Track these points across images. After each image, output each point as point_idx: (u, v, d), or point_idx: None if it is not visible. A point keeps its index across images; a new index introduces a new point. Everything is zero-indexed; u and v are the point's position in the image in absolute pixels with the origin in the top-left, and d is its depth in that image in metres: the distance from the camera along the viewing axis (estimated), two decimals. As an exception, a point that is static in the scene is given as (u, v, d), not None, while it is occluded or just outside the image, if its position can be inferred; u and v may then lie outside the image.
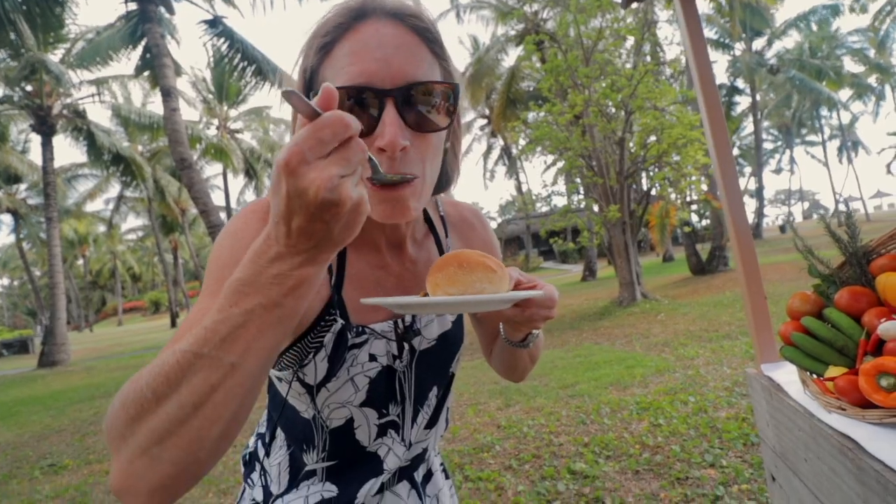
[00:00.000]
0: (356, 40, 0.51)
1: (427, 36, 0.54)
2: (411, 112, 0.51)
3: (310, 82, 0.55)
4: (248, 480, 0.73)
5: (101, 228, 37.73)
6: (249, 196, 36.38)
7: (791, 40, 23.59)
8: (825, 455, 1.00)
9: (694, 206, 15.25)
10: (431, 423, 0.72)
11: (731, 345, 5.04)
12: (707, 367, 4.39)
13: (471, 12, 16.59)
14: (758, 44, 22.62)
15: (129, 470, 0.38)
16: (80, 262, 43.99)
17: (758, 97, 24.52)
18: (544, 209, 19.89)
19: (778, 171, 45.68)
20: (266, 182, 32.58)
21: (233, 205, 30.97)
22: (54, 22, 8.90)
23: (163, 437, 0.37)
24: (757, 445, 2.70)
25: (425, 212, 0.72)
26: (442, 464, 0.82)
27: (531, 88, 15.56)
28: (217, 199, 31.05)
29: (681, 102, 8.93)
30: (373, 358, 0.63)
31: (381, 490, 0.69)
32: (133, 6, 8.97)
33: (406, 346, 0.66)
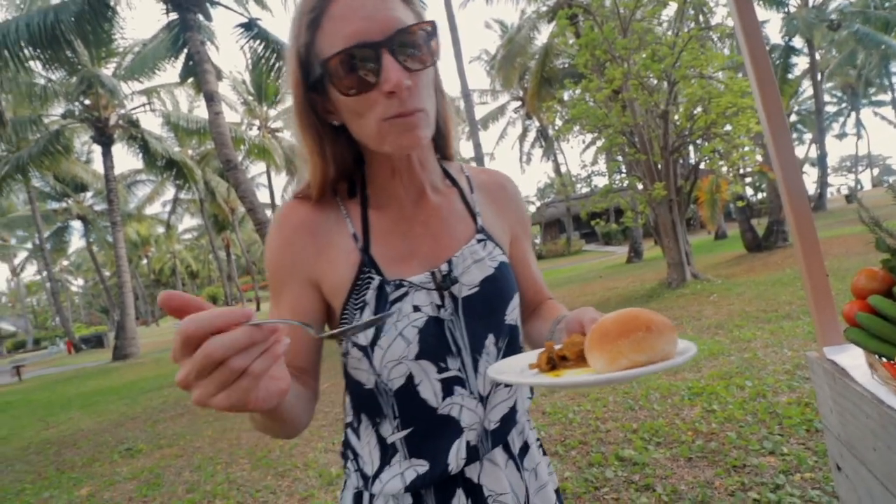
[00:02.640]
0: (340, 6, 0.56)
1: None
2: (403, 56, 0.57)
3: (306, 60, 0.60)
4: (346, 471, 0.76)
5: (161, 230, 40.17)
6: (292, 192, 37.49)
7: (854, -9, 21.37)
8: (897, 445, 0.92)
9: (748, 179, 14.36)
10: None
11: (792, 326, 4.74)
12: (765, 349, 4.15)
13: (500, -8, 16.18)
14: (815, -2, 20.79)
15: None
16: (144, 261, 47.14)
17: (817, 56, 22.58)
18: (584, 190, 19.33)
19: (842, 135, 42.24)
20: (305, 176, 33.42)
21: (277, 201, 32.10)
22: (104, 37, 9.42)
23: (265, 431, 0.61)
24: (821, 432, 2.54)
25: (444, 169, 0.77)
26: (538, 439, 0.82)
27: (566, 66, 15.05)
28: (262, 196, 32.31)
29: (730, 68, 8.36)
30: (417, 309, 0.66)
31: (474, 456, 0.69)
32: (174, 16, 9.35)
33: (447, 294, 0.68)
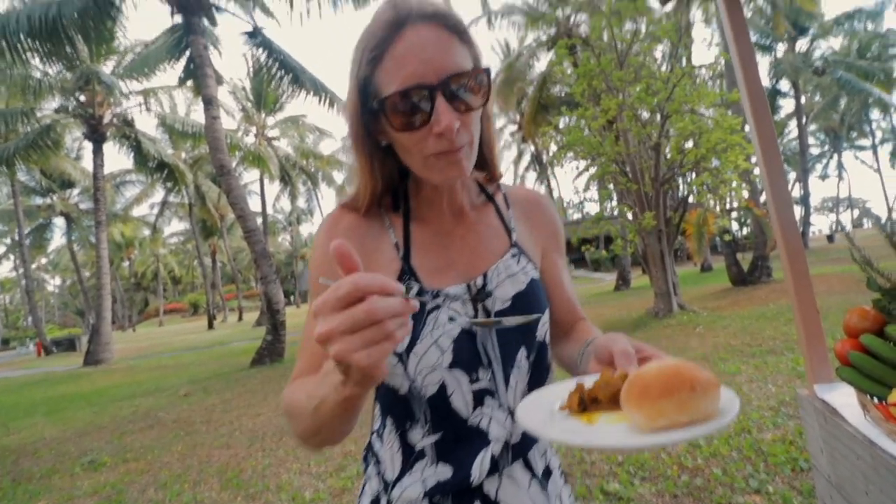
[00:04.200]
0: (401, 48, 0.60)
1: (458, 30, 0.63)
2: (455, 99, 0.60)
3: (364, 90, 0.64)
4: (366, 475, 0.78)
5: (146, 232, 39.60)
6: (284, 202, 37.24)
7: (836, 41, 22.34)
8: (889, 488, 0.90)
9: (734, 214, 14.66)
10: (531, 390, 0.73)
11: (777, 361, 4.77)
12: (750, 384, 4.16)
13: (502, 18, 16.59)
14: (801, 45, 21.66)
15: (300, 435, 0.61)
16: (126, 264, 46.24)
17: (802, 99, 23.42)
18: (576, 216, 19.56)
19: (824, 177, 43.52)
20: (300, 188, 33.44)
21: (269, 210, 31.92)
22: (106, 35, 9.43)
23: (322, 430, 0.58)
24: (807, 471, 2.52)
25: (482, 186, 0.81)
26: (560, 465, 0.82)
27: (563, 93, 15.37)
28: (254, 204, 32.11)
29: (720, 105, 8.61)
30: (451, 319, 0.68)
31: (496, 469, 0.70)
32: (179, 18, 9.39)
33: (480, 307, 0.71)
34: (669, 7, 8.50)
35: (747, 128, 1.54)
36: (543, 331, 0.75)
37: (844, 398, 1.18)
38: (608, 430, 0.49)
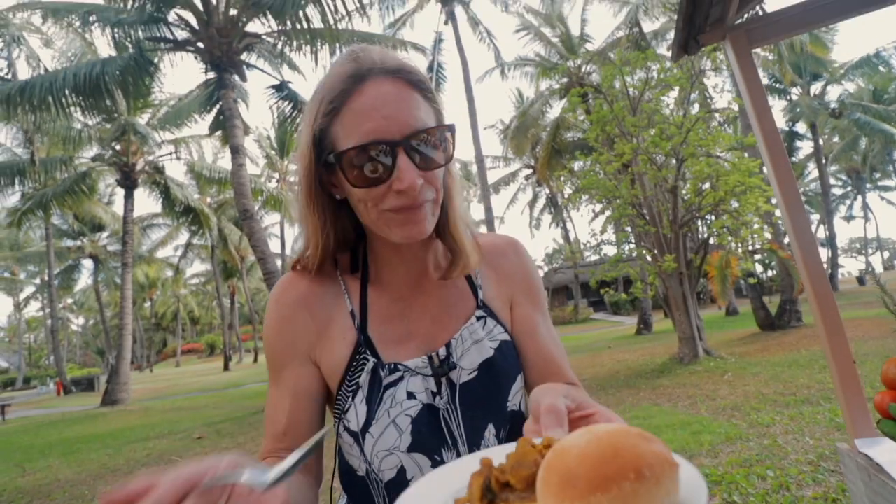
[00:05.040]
0: (361, 102, 0.57)
1: (421, 87, 0.60)
2: (418, 155, 0.57)
3: (319, 142, 0.60)
4: None
5: (169, 273, 40.52)
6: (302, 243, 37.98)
7: (852, 84, 22.48)
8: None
9: (757, 256, 14.35)
10: None
11: (813, 411, 4.51)
12: (786, 436, 3.93)
13: (515, 69, 17.25)
14: (815, 88, 21.86)
15: None
16: (148, 304, 47.10)
17: (821, 141, 23.37)
18: (593, 258, 19.41)
19: (849, 218, 42.64)
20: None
21: (288, 251, 32.50)
22: (144, 90, 10.08)
23: None
24: (853, 534, 2.33)
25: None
26: None
27: (576, 138, 15.67)
28: (273, 246, 32.77)
29: (737, 149, 8.63)
30: (411, 396, 0.62)
31: None
32: (212, 75, 10.02)
33: (444, 380, 0.64)
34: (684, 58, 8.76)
35: (765, 170, 1.54)
36: (517, 399, 0.67)
37: (889, 454, 1.11)
38: None
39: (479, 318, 0.69)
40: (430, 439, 0.62)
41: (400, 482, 0.62)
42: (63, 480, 5.63)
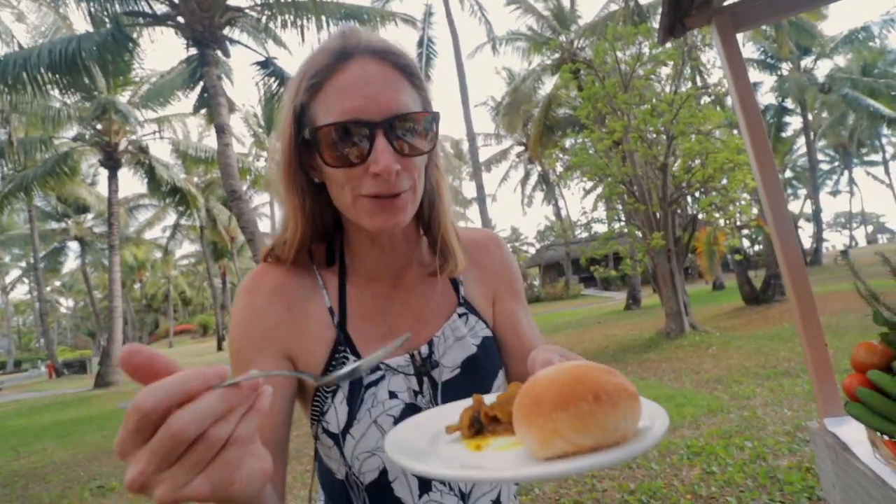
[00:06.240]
0: (344, 79, 0.55)
1: (407, 71, 0.59)
2: (398, 140, 0.55)
3: (300, 118, 0.58)
4: None
5: (158, 254, 40.10)
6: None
7: (841, 58, 22.39)
8: (905, 531, 0.88)
9: (745, 231, 14.53)
10: None
11: (792, 383, 4.67)
12: (765, 408, 4.07)
13: (506, 44, 16.90)
14: (805, 63, 21.76)
15: None
16: (138, 286, 46.73)
17: (809, 117, 23.40)
18: (584, 235, 19.53)
19: (835, 192, 43.16)
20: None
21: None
22: (123, 67, 9.75)
23: None
24: (824, 500, 2.45)
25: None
26: None
27: (568, 115, 15.53)
28: (264, 226, 32.48)
29: (727, 126, 8.64)
30: (393, 395, 0.61)
31: None
32: (193, 51, 9.71)
33: (426, 378, 0.63)
34: (670, 44, 8.64)
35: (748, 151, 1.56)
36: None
37: (855, 433, 1.16)
38: (492, 459, 0.39)
39: (461, 315, 0.68)
40: None
41: (382, 484, 0.60)
42: (58, 462, 5.68)
